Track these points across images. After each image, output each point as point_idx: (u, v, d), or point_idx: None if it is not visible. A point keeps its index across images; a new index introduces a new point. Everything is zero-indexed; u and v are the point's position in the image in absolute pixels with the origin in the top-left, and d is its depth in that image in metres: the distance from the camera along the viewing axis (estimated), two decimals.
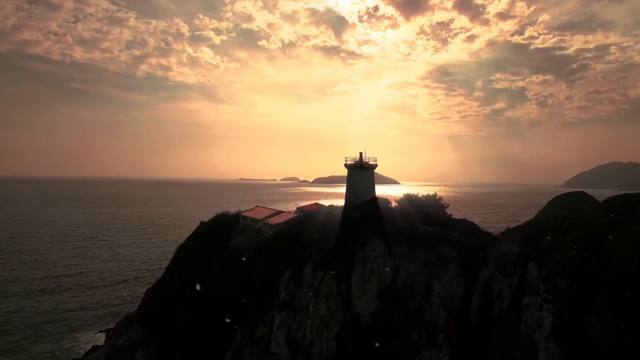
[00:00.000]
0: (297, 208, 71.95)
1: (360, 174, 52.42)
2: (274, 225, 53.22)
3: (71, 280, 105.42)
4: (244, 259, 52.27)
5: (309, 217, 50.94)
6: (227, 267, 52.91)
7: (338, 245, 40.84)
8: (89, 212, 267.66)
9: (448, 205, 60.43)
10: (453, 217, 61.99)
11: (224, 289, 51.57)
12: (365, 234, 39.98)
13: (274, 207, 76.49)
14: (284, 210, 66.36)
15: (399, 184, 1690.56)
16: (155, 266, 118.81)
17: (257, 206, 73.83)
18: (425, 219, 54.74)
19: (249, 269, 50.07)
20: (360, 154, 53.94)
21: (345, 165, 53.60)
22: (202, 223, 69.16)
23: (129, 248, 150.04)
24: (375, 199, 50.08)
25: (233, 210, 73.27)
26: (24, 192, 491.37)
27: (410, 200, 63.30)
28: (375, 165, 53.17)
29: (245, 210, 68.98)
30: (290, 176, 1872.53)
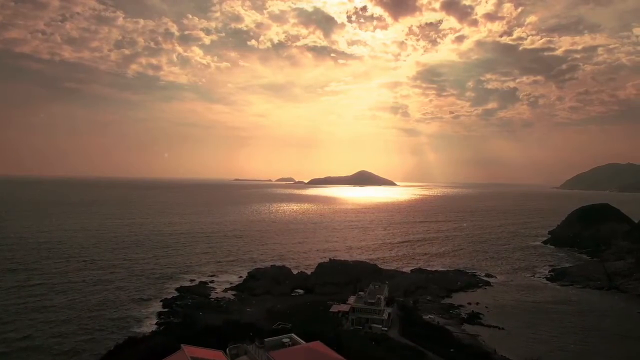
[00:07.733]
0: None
1: None
2: None
3: None
4: None
5: None
6: None
7: None
8: (66, 225, 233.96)
9: None
10: None
11: None
12: None
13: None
14: None
15: (396, 184, 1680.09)
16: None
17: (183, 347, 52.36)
18: None
19: None
20: None
21: None
22: None
23: (92, 283, 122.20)
24: None
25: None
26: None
27: None
28: None
29: None
30: (285, 176, 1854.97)
